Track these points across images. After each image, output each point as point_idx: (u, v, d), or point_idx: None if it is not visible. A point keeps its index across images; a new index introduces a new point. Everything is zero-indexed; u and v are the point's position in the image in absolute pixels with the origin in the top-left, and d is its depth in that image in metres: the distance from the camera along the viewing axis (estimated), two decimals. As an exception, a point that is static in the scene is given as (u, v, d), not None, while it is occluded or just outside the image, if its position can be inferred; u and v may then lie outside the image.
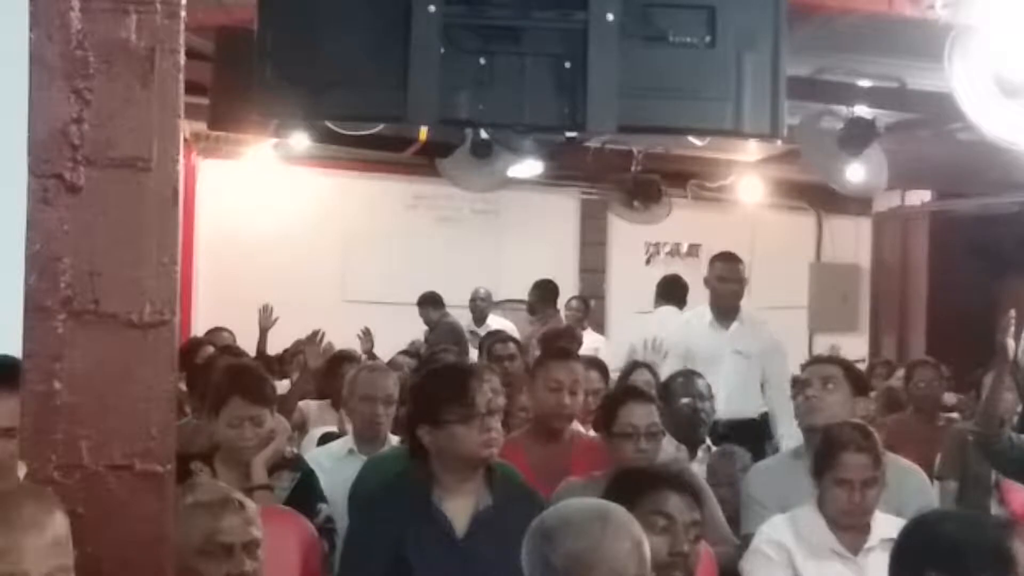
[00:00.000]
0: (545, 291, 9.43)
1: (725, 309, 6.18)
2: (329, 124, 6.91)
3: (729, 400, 5.77)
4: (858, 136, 6.91)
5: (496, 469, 3.35)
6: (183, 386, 5.24)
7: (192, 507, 2.74)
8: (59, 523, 1.98)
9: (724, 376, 5.87)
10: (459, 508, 3.25)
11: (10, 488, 2.09)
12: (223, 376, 4.05)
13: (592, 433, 4.61)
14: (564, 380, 4.39)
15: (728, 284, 6.19)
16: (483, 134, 8.00)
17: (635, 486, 3.00)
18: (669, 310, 7.77)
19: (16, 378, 2.18)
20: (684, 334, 6.22)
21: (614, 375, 5.85)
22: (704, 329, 6.17)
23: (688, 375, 5.36)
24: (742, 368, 6.00)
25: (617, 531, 2.34)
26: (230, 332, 7.43)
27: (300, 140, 8.82)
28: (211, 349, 6.20)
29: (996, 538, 2.54)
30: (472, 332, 9.39)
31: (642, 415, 4.02)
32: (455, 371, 3.58)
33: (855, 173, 7.20)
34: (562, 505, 2.55)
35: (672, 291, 8.06)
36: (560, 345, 5.81)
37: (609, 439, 4.06)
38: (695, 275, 11.73)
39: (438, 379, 3.48)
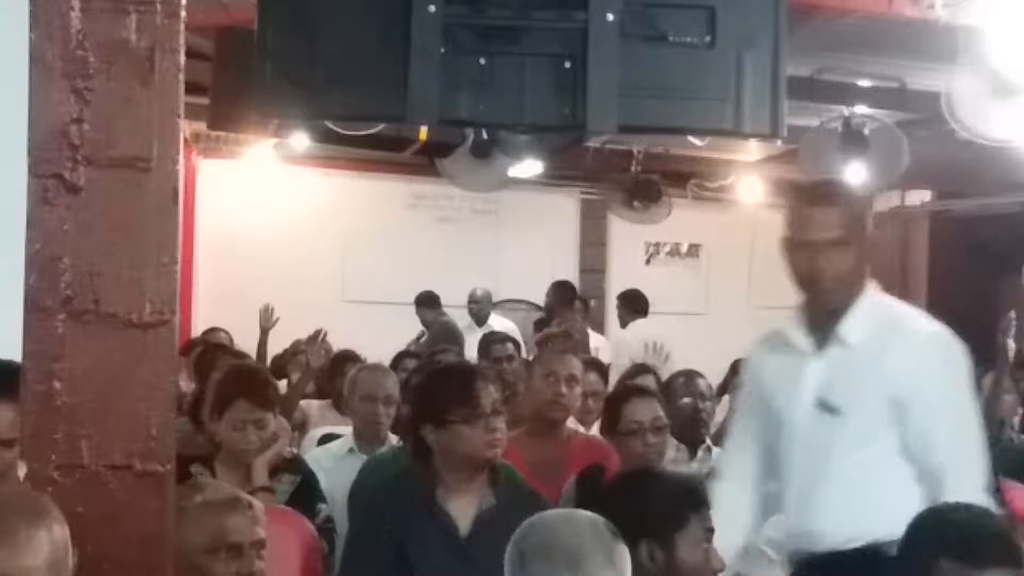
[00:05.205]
0: (563, 292, 9.38)
1: None
2: (329, 124, 6.91)
3: None
4: (856, 136, 6.91)
5: (499, 469, 3.35)
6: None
7: (201, 507, 2.73)
8: (56, 538, 1.94)
9: None
10: (462, 508, 3.25)
11: (3, 500, 2.06)
12: (228, 378, 4.03)
13: (592, 432, 4.62)
14: (560, 371, 4.39)
15: None
16: (483, 134, 8.00)
17: None
18: (642, 322, 8.22)
19: (15, 387, 2.18)
20: None
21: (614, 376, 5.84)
22: None
23: (689, 375, 5.34)
24: None
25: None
26: (226, 332, 7.42)
27: (300, 140, 8.82)
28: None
29: (1006, 528, 2.59)
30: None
31: (646, 410, 4.05)
32: (460, 371, 3.57)
33: (854, 173, 7.18)
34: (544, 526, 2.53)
35: (640, 304, 8.47)
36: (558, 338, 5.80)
37: (616, 438, 4.08)
38: (695, 275, 11.84)
39: (443, 379, 3.47)
